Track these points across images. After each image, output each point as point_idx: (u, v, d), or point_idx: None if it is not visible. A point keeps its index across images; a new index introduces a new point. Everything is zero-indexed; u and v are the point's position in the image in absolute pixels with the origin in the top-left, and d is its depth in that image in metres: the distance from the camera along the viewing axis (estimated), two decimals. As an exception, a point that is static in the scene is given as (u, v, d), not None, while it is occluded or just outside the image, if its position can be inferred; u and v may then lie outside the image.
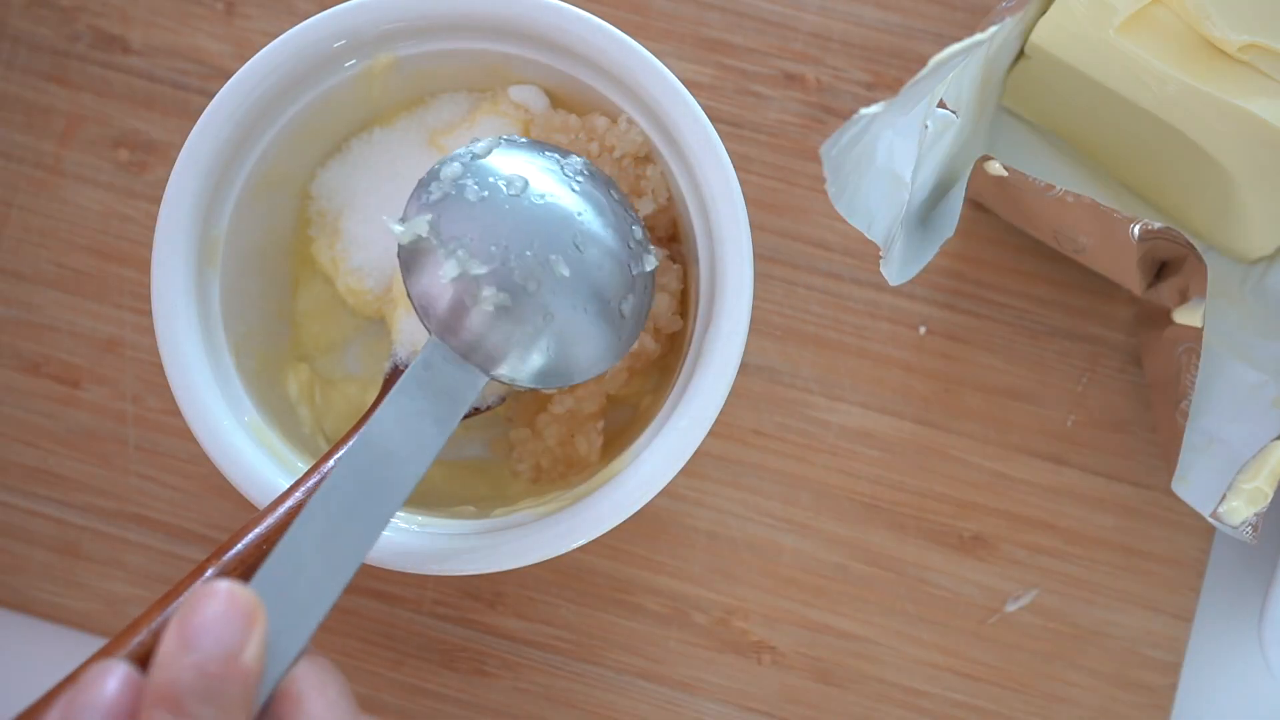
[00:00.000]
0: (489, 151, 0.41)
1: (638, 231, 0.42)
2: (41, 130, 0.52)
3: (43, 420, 0.51)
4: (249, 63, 0.43)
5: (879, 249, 0.41)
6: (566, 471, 0.46)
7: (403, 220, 0.40)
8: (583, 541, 0.41)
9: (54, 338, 0.51)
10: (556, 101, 0.46)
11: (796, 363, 0.50)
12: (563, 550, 0.41)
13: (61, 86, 0.52)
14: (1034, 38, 0.46)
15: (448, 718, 0.50)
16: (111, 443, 0.51)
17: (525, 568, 0.49)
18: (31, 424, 0.51)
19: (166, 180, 0.43)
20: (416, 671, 0.50)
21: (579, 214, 0.41)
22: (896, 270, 0.42)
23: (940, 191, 0.46)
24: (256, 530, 0.40)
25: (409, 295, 0.40)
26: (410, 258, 0.40)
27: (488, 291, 0.39)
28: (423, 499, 0.46)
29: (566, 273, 0.40)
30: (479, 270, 0.39)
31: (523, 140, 0.42)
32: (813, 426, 0.50)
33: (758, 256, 0.50)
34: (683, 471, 0.41)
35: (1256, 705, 0.50)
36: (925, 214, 0.46)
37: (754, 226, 0.43)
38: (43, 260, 0.51)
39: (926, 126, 0.42)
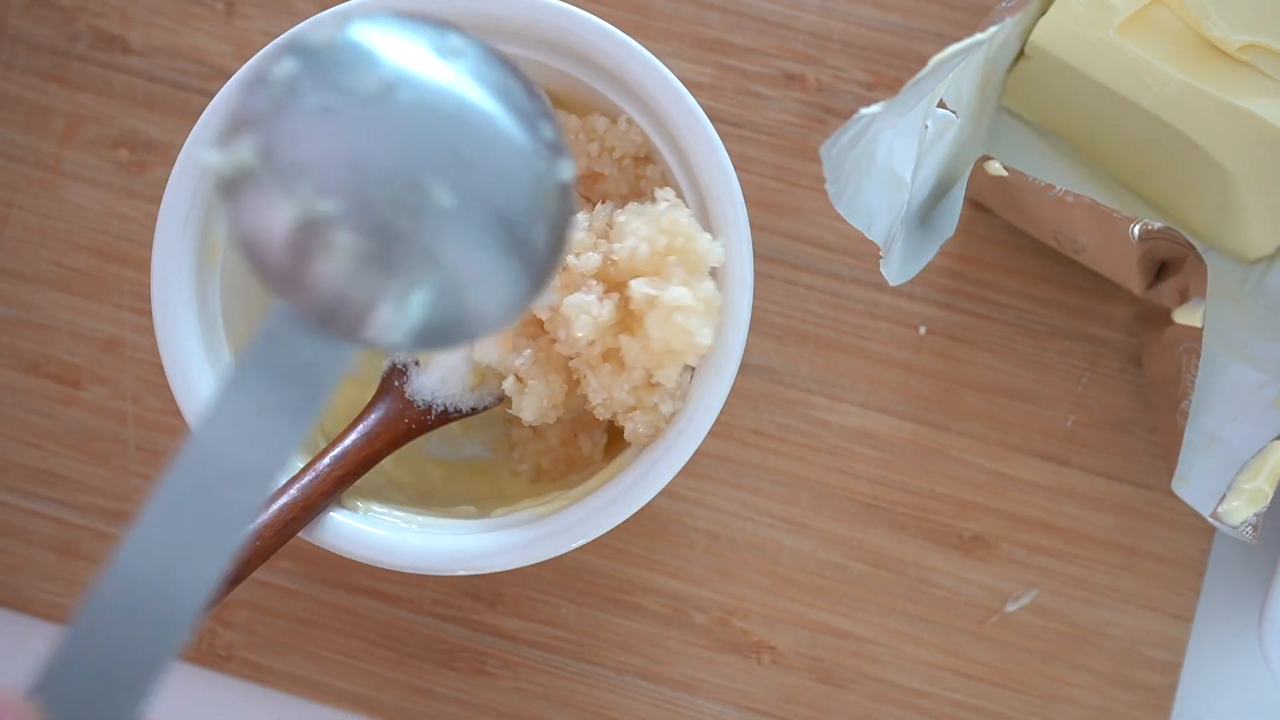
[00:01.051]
0: (338, 36, 0.30)
1: (547, 130, 0.32)
2: (41, 130, 0.52)
3: (43, 420, 0.51)
4: (249, 63, 0.43)
5: (879, 249, 0.41)
6: (567, 471, 0.46)
7: (222, 144, 0.29)
8: (583, 541, 0.41)
9: (54, 338, 0.51)
10: (556, 101, 0.46)
11: (796, 363, 0.50)
12: (563, 550, 0.41)
13: (61, 86, 0.52)
14: (1034, 38, 0.46)
15: (448, 718, 0.50)
16: (111, 443, 0.51)
17: (525, 568, 0.49)
18: (31, 424, 0.51)
19: (166, 180, 0.43)
20: (416, 671, 0.50)
21: (466, 114, 0.30)
22: (896, 270, 0.42)
23: (940, 191, 0.46)
24: (249, 527, 0.40)
25: (237, 243, 0.29)
26: (232, 193, 0.28)
27: (344, 237, 0.29)
28: (423, 499, 0.46)
29: (449, 202, 0.30)
30: (329, 209, 0.29)
31: (384, 13, 0.31)
32: (813, 426, 0.50)
33: (758, 256, 0.50)
34: (683, 471, 0.41)
35: (1256, 705, 0.50)
36: (925, 214, 0.46)
37: (754, 226, 0.43)
38: (43, 260, 0.51)
39: (926, 126, 0.42)
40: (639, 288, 0.40)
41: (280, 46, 0.30)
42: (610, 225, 0.42)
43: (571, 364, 0.42)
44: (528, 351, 0.42)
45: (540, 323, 0.43)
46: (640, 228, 0.41)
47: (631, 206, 0.42)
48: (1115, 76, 0.45)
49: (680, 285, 0.40)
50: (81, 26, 0.52)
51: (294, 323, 0.28)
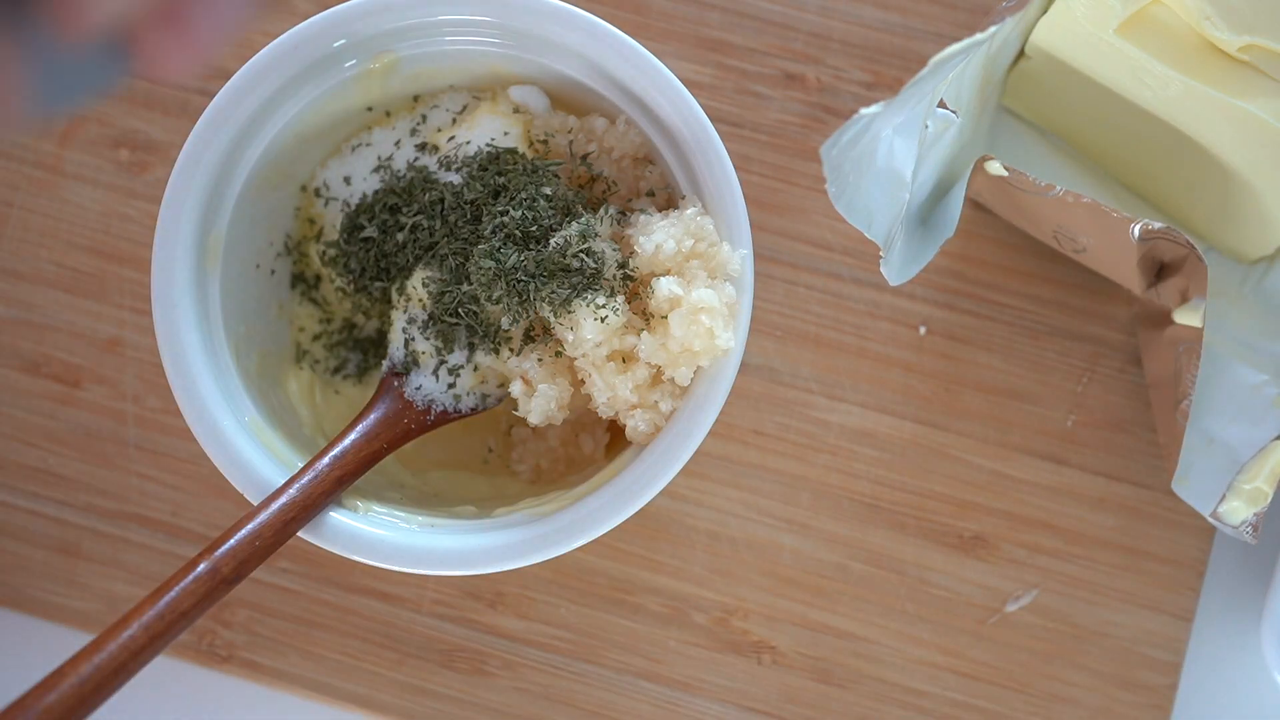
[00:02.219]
0: None
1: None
2: (41, 130, 0.52)
3: (43, 420, 0.51)
4: (249, 63, 0.43)
5: (879, 249, 0.41)
6: (566, 471, 0.46)
7: None
8: (583, 541, 0.41)
9: (54, 338, 0.51)
10: (556, 102, 0.46)
11: (796, 363, 0.50)
12: (563, 550, 0.41)
13: (61, 86, 0.52)
14: (1034, 38, 0.46)
15: (448, 718, 0.50)
16: (111, 443, 0.51)
17: (525, 568, 0.49)
18: (31, 424, 0.51)
19: (166, 180, 0.43)
20: (416, 671, 0.50)
21: None
22: (896, 270, 0.42)
23: (940, 191, 0.46)
24: (249, 527, 0.40)
25: None
26: None
27: None
28: (423, 499, 0.46)
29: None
30: None
31: None
32: (813, 426, 0.50)
33: (758, 256, 0.50)
34: (683, 471, 0.41)
35: (1256, 705, 0.50)
36: (925, 214, 0.46)
37: (754, 226, 0.43)
38: (43, 260, 0.51)
39: (927, 126, 0.42)
40: (666, 285, 0.40)
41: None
42: (622, 228, 0.43)
43: (576, 363, 0.42)
44: (535, 355, 0.42)
45: (547, 325, 0.43)
46: (668, 226, 0.41)
47: (656, 216, 0.43)
48: (1115, 77, 0.45)
49: (705, 287, 0.40)
50: (81, 26, 0.52)
51: None
